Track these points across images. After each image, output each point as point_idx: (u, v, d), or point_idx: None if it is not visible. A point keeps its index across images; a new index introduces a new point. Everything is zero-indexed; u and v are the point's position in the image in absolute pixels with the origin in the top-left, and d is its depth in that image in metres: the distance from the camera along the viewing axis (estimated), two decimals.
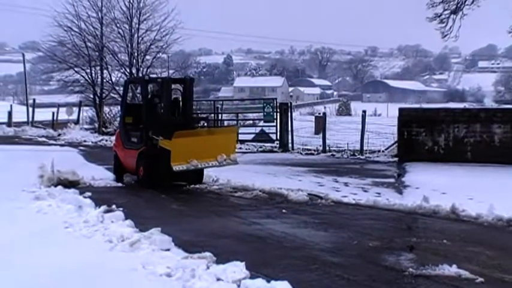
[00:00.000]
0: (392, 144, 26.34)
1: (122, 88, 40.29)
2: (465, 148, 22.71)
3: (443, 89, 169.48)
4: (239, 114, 37.31)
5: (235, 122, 34.15)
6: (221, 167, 16.90)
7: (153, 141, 16.34)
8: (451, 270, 8.55)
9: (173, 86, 18.09)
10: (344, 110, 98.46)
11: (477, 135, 22.59)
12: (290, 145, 28.85)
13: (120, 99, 39.43)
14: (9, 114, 41.74)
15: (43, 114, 43.05)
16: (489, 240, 10.90)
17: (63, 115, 40.60)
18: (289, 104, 30.73)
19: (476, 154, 22.35)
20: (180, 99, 17.95)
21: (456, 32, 26.13)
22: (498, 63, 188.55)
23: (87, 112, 43.58)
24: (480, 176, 18.97)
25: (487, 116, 22.86)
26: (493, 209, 12.44)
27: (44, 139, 33.61)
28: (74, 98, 42.10)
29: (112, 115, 41.14)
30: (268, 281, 7.25)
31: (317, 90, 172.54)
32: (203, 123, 18.91)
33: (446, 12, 26.06)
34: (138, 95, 24.71)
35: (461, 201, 13.23)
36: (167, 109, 17.06)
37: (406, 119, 23.99)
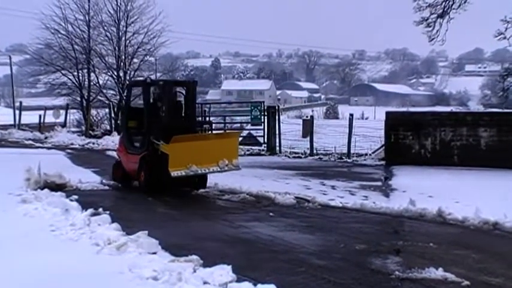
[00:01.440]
0: (380, 148, 26.42)
1: (109, 91, 40.48)
2: (452, 152, 22.82)
3: (430, 93, 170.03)
4: (227, 117, 37.30)
5: (222, 125, 34.16)
6: (222, 173, 16.39)
7: (154, 146, 15.98)
8: (437, 273, 8.58)
9: (176, 89, 17.73)
10: (331, 113, 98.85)
11: (464, 139, 22.70)
12: (277, 148, 28.89)
13: (107, 102, 39.77)
14: None
15: (30, 117, 42.92)
16: (475, 243, 10.94)
17: (50, 118, 40.47)
18: (276, 107, 30.77)
19: (463, 158, 22.46)
20: (183, 102, 17.44)
21: (443, 35, 26.29)
22: (485, 67, 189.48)
23: (74, 115, 43.51)
24: (466, 179, 19.06)
25: (474, 120, 22.97)
26: (479, 213, 12.49)
27: (30, 142, 33.52)
28: (61, 101, 41.99)
29: (99, 118, 41.15)
30: (255, 284, 7.25)
31: (305, 94, 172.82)
32: (207, 127, 18.91)
33: (433, 16, 26.22)
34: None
35: (448, 205, 13.29)
36: (169, 112, 16.57)
37: (393, 122, 24.09)
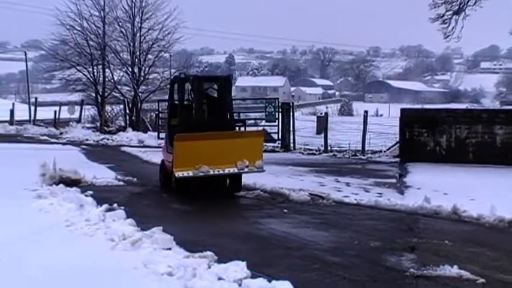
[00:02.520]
0: (394, 145, 26.34)
1: (123, 87, 40.58)
2: (467, 149, 22.71)
3: (445, 90, 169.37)
4: (241, 114, 37.27)
5: None
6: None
7: None
8: (452, 271, 8.56)
9: (208, 85, 16.56)
10: (346, 110, 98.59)
11: (479, 136, 22.58)
12: (292, 145, 28.87)
13: (122, 98, 39.88)
14: (12, 112, 41.79)
15: (45, 113, 43.14)
16: (490, 241, 10.89)
17: (65, 114, 40.61)
18: (291, 104, 30.74)
19: (478, 155, 22.34)
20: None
21: (458, 32, 26.21)
22: (500, 64, 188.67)
23: (89, 111, 43.65)
24: (482, 176, 18.95)
25: (489, 117, 22.84)
26: (494, 210, 12.43)
27: (45, 137, 33.63)
28: (76, 97, 42.14)
29: (114, 114, 41.26)
30: (270, 281, 7.26)
31: (319, 90, 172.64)
32: (240, 125, 16.74)
33: (448, 13, 26.13)
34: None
35: (463, 202, 13.23)
36: (198, 110, 15.55)
37: (407, 119, 23.99)
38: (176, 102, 16.53)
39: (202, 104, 15.85)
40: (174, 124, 16.25)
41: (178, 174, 14.45)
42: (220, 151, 14.76)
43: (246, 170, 15.13)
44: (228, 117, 15.98)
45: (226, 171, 14.96)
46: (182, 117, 15.73)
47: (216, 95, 16.50)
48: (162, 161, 17.00)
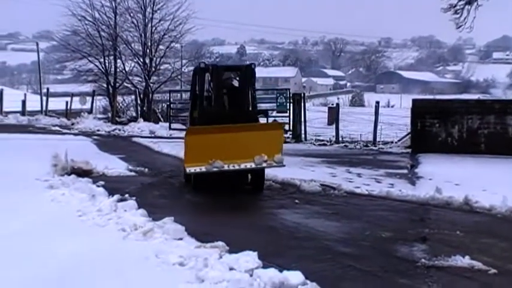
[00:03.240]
0: (406, 136, 26.32)
1: (135, 78, 40.62)
2: (479, 140, 22.64)
3: (457, 80, 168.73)
4: None
5: None
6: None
7: None
8: (464, 261, 8.54)
9: (228, 75, 15.62)
10: (357, 101, 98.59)
11: (491, 127, 22.51)
12: (303, 136, 28.85)
13: (133, 88, 39.92)
14: (23, 103, 41.85)
15: (57, 104, 43.23)
16: (502, 231, 10.87)
17: (76, 104, 40.71)
18: (302, 95, 30.70)
19: (490, 146, 22.27)
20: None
21: (471, 23, 26.01)
22: None
23: (101, 101, 43.80)
24: (494, 167, 18.91)
25: (502, 108, 22.77)
26: (506, 201, 12.40)
27: (57, 128, 33.70)
28: (87, 88, 42.21)
29: (125, 104, 41.32)
30: (281, 271, 7.26)
31: (330, 81, 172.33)
32: (261, 117, 16.00)
33: (461, 3, 25.94)
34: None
35: (475, 193, 13.19)
36: (218, 101, 14.74)
37: (419, 110, 23.94)
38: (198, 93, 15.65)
39: (222, 94, 15.02)
40: (196, 117, 15.30)
41: (190, 169, 13.61)
42: (236, 145, 13.71)
43: (264, 165, 14.04)
44: (251, 108, 15.11)
45: (243, 166, 13.88)
46: (202, 109, 14.90)
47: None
48: None
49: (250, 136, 13.92)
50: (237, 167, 13.86)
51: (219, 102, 14.83)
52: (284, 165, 14.30)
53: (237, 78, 15.49)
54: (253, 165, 13.93)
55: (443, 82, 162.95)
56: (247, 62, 17.13)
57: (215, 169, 13.56)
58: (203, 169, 13.57)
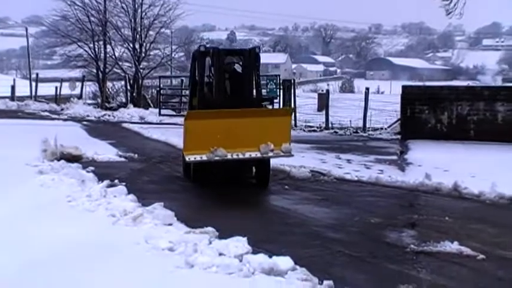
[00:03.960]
0: (395, 122, 26.36)
1: (124, 63, 40.49)
2: (468, 126, 22.69)
3: (446, 67, 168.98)
4: None
5: None
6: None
7: None
8: (453, 247, 8.60)
9: (230, 60, 14.44)
10: (347, 87, 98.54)
11: (480, 113, 22.56)
12: (293, 122, 28.82)
13: (123, 74, 39.80)
14: (13, 88, 41.70)
15: (46, 89, 43.04)
16: (491, 217, 10.93)
17: (66, 90, 40.60)
18: (292, 81, 30.66)
19: (479, 132, 22.32)
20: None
21: (460, 9, 26.02)
22: (502, 41, 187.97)
23: (90, 87, 43.62)
24: (483, 153, 18.96)
25: (491, 94, 22.81)
26: (495, 187, 12.47)
27: (47, 113, 33.59)
28: (77, 73, 42.06)
29: (115, 90, 41.20)
30: (270, 256, 7.28)
31: (320, 67, 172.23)
32: (265, 104, 14.65)
33: None
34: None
35: (464, 179, 13.25)
36: (219, 87, 13.52)
37: (409, 96, 23.95)
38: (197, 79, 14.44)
39: (224, 80, 13.86)
40: (195, 105, 14.13)
41: (190, 158, 12.39)
42: (241, 132, 12.52)
43: (270, 154, 12.80)
44: (255, 95, 13.91)
45: (247, 155, 12.63)
46: (202, 96, 13.75)
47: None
48: None
49: (256, 122, 12.71)
50: (241, 156, 12.59)
51: (220, 89, 13.62)
52: (292, 155, 13.25)
53: (240, 63, 14.25)
54: (259, 155, 12.71)
55: (433, 69, 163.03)
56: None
57: (217, 158, 12.36)
58: (204, 157, 12.35)
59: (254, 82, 13.89)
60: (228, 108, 12.85)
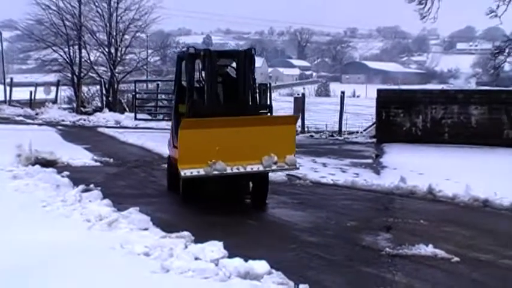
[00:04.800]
0: (371, 125, 26.51)
1: (100, 68, 40.31)
2: (442, 129, 22.88)
3: (421, 71, 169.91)
4: None
5: None
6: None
7: None
8: (428, 249, 8.65)
9: (223, 62, 13.08)
10: (323, 91, 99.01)
11: (454, 117, 22.77)
12: None
13: (98, 78, 39.61)
14: None
15: (21, 93, 42.75)
16: (465, 220, 11.02)
17: (41, 94, 40.35)
18: (268, 85, 30.63)
19: (454, 135, 22.54)
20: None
21: (435, 13, 26.18)
22: (476, 45, 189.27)
23: (65, 91, 43.42)
24: (457, 156, 19.12)
25: (465, 98, 23.03)
26: (469, 190, 12.57)
27: (21, 118, 33.40)
28: (52, 77, 41.87)
29: (90, 94, 41.02)
30: (246, 260, 7.27)
31: (296, 71, 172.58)
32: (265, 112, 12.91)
33: None
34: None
35: (438, 182, 13.36)
36: (212, 93, 12.10)
37: (384, 100, 24.12)
38: (184, 84, 13.18)
39: (216, 85, 12.50)
40: (182, 112, 12.58)
41: (185, 172, 11.00)
42: (241, 142, 11.32)
43: (274, 167, 11.57)
44: (251, 102, 12.60)
45: (249, 168, 11.37)
46: (191, 102, 12.15)
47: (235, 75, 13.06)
48: (169, 158, 13.60)
49: (259, 131, 11.56)
50: (242, 170, 11.32)
51: (213, 95, 12.20)
52: (298, 168, 12.28)
53: (233, 66, 13.08)
54: (261, 168, 11.48)
55: (408, 72, 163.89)
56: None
57: (216, 172, 11.08)
58: (201, 172, 11.04)
59: (251, 88, 12.64)
60: (221, 116, 11.65)
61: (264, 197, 12.25)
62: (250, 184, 12.43)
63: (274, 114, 12.74)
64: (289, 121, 12.68)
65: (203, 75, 12.60)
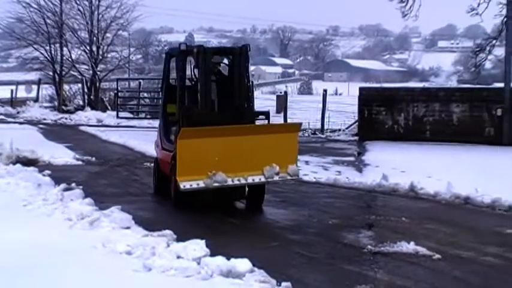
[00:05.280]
0: (353, 123, 26.57)
1: (81, 66, 40.13)
2: (424, 127, 22.99)
3: (403, 69, 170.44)
4: None
5: None
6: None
7: None
8: (409, 247, 8.67)
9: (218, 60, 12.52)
10: (305, 89, 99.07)
11: (436, 115, 22.88)
12: None
13: (80, 77, 39.45)
14: None
15: (1, 92, 42.56)
16: (447, 217, 11.07)
17: (22, 93, 40.21)
18: (251, 83, 30.64)
19: (435, 133, 22.66)
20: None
21: (416, 11, 26.26)
22: (457, 43, 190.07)
23: (47, 90, 43.20)
24: (439, 154, 19.22)
25: (446, 96, 23.16)
26: (450, 187, 12.64)
27: (2, 117, 33.25)
28: (33, 76, 41.66)
29: (72, 93, 40.84)
30: (228, 259, 7.26)
31: (279, 69, 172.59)
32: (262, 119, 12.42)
33: None
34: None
35: (420, 180, 13.42)
36: (205, 93, 11.49)
37: (366, 98, 24.20)
38: (173, 82, 12.78)
39: (210, 84, 11.86)
40: (171, 112, 12.35)
41: (185, 185, 10.44)
42: (242, 152, 10.88)
43: (276, 178, 11.13)
44: (247, 103, 12.04)
45: (250, 180, 10.93)
46: (182, 102, 11.75)
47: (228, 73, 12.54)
48: (156, 160, 13.27)
49: (260, 140, 11.07)
50: (243, 182, 10.91)
51: (207, 95, 11.60)
52: (300, 178, 11.92)
53: (225, 63, 12.60)
54: (263, 179, 11.02)
55: (390, 70, 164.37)
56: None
57: (216, 184, 10.59)
58: (201, 184, 10.54)
59: (246, 88, 12.02)
60: (215, 117, 11.45)
61: (260, 202, 11.81)
62: (246, 188, 11.72)
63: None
64: (291, 129, 12.16)
65: (195, 73, 11.94)
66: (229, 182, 10.66)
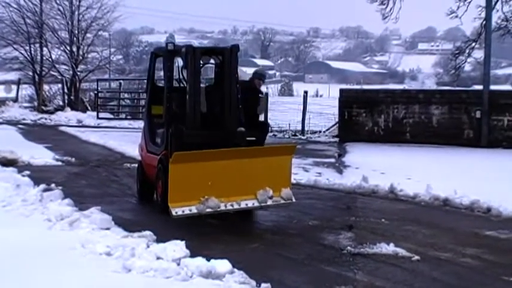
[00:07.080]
0: (333, 125, 26.62)
1: (61, 66, 39.93)
2: (404, 129, 23.09)
3: (383, 71, 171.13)
4: None
5: None
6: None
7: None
8: (389, 248, 8.72)
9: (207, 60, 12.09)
10: (286, 91, 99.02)
11: (416, 116, 22.98)
12: None
13: (60, 77, 39.26)
14: None
15: None
16: (426, 219, 11.12)
17: (1, 93, 40.01)
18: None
19: (415, 135, 22.77)
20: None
21: (396, 13, 26.46)
22: (437, 45, 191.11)
23: (27, 90, 42.87)
24: (418, 156, 19.32)
25: (426, 98, 23.27)
26: (430, 189, 12.70)
27: None
28: (12, 76, 41.39)
29: (52, 93, 40.60)
30: (208, 260, 7.27)
31: None
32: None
33: None
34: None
35: (400, 181, 13.48)
36: (194, 94, 11.13)
37: (346, 100, 24.26)
38: (158, 83, 12.66)
39: (200, 86, 11.51)
40: (157, 114, 12.10)
41: (177, 211, 9.96)
42: (235, 175, 10.46)
43: (269, 202, 10.70)
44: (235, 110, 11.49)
45: (243, 204, 10.50)
46: (169, 104, 11.43)
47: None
48: (140, 164, 12.95)
49: (253, 163, 10.70)
50: (236, 207, 10.47)
51: (196, 96, 11.21)
52: (293, 201, 11.09)
53: (213, 63, 12.20)
54: (257, 204, 10.60)
55: (370, 72, 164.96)
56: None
57: (209, 210, 10.20)
58: (194, 210, 10.10)
59: (236, 91, 11.46)
60: (205, 121, 11.17)
61: (251, 212, 11.42)
62: None
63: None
64: (285, 151, 11.63)
65: (184, 74, 11.62)
66: (222, 208, 10.28)
